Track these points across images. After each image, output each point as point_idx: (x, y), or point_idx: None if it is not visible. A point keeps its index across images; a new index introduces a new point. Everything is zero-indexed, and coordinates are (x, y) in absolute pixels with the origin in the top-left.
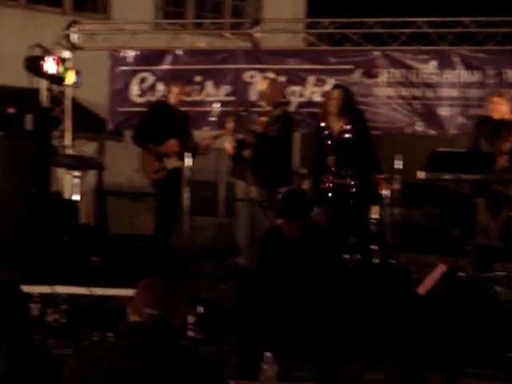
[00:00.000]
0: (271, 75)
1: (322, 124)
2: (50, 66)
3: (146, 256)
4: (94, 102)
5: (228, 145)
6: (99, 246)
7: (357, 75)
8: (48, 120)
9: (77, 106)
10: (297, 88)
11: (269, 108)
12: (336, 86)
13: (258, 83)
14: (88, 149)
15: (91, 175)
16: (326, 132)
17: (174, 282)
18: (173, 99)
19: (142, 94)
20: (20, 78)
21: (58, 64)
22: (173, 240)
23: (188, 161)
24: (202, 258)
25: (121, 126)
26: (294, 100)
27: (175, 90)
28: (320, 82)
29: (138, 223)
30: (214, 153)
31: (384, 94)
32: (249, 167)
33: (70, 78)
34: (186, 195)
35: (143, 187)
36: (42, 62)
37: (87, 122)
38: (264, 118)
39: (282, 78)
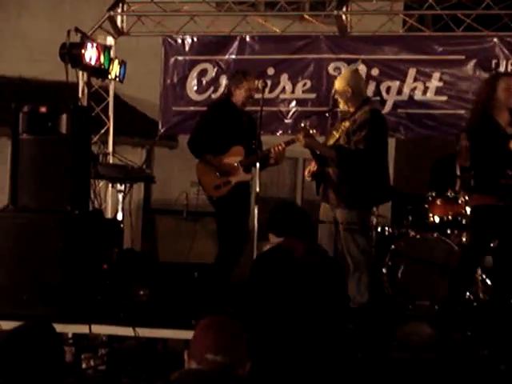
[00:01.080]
0: (361, 67)
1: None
2: (90, 54)
3: (204, 290)
4: (141, 100)
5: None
6: (147, 276)
7: (470, 67)
8: (88, 121)
9: (121, 104)
10: (393, 83)
11: (351, 109)
12: None
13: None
14: (134, 157)
15: (137, 190)
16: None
17: (239, 323)
18: (239, 97)
19: (202, 89)
20: (54, 70)
21: (99, 53)
22: (238, 271)
23: (257, 173)
24: None
25: (175, 129)
26: (390, 98)
27: (243, 85)
28: (423, 76)
29: (195, 249)
30: (288, 162)
31: None
32: (333, 186)
33: (115, 70)
34: (255, 216)
35: (201, 205)
36: (81, 51)
37: (133, 124)
38: (346, 124)
39: (376, 71)
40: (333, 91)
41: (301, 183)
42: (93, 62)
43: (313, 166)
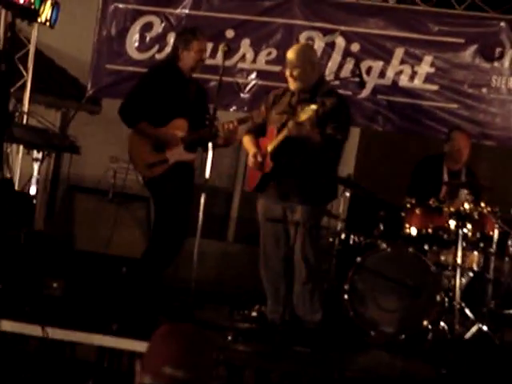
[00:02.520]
0: (340, 40)
1: None
2: None
3: (130, 289)
4: (61, 52)
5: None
6: (61, 266)
7: (468, 54)
8: (8, 71)
9: (36, 54)
10: (376, 63)
11: (304, 88)
12: None
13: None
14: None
15: (47, 160)
16: None
17: (207, 334)
18: (187, 60)
19: (145, 47)
20: None
21: None
22: (172, 272)
23: (209, 153)
24: (211, 300)
25: (106, 91)
26: (370, 81)
27: (193, 45)
28: (412, 59)
29: (120, 238)
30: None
31: (509, 85)
32: (295, 180)
33: (46, 12)
34: (202, 205)
35: (129, 186)
36: None
37: (49, 79)
38: (313, 107)
39: (356, 47)
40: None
41: (242, 173)
42: (21, 1)
43: (258, 157)
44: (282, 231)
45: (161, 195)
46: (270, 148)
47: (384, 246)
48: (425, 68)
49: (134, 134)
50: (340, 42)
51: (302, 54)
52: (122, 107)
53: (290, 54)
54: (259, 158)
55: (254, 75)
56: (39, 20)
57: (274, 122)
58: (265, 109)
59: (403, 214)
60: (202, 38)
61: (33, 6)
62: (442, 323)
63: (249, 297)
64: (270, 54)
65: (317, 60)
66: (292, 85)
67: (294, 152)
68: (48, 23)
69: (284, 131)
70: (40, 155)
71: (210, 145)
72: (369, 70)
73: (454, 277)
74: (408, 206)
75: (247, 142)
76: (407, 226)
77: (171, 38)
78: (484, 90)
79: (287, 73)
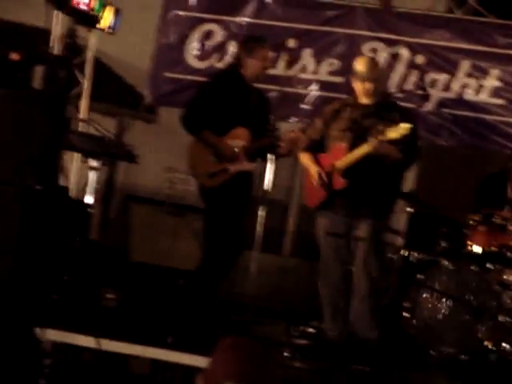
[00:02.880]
0: (404, 52)
1: None
2: None
3: (185, 301)
4: (118, 60)
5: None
6: (116, 277)
7: None
8: (68, 78)
9: (96, 61)
10: (440, 76)
11: (369, 102)
12: None
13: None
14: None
15: (104, 169)
16: None
17: (265, 347)
18: (251, 68)
19: (205, 55)
20: (37, 15)
21: None
22: (228, 286)
23: (270, 164)
24: (269, 315)
25: (165, 99)
26: (434, 94)
27: (257, 53)
28: (478, 72)
29: (177, 250)
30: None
31: None
32: (363, 194)
33: (107, 18)
34: (261, 218)
35: (186, 197)
36: None
37: (106, 87)
38: (373, 121)
39: (421, 59)
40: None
41: (299, 186)
42: (82, 6)
43: (323, 176)
44: (344, 246)
45: (217, 205)
46: (340, 165)
47: (446, 263)
48: (491, 82)
49: (196, 142)
50: (404, 53)
51: (375, 68)
52: (185, 115)
53: (363, 67)
54: (325, 179)
55: (315, 86)
56: (99, 26)
57: (337, 139)
58: (322, 124)
59: (466, 231)
60: (266, 46)
61: (93, 12)
62: (504, 344)
63: (306, 312)
64: (332, 64)
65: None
66: (363, 98)
67: (370, 169)
68: (109, 30)
69: (363, 148)
70: (96, 163)
71: (269, 156)
72: (433, 83)
73: None
74: (471, 223)
75: (306, 159)
76: (470, 243)
77: (231, 47)
78: None
79: (359, 85)
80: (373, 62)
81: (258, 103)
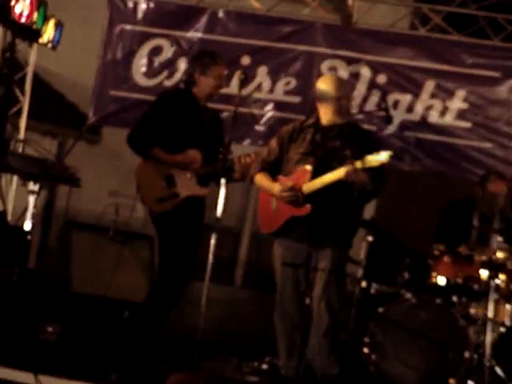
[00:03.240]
0: (365, 71)
1: None
2: (22, 8)
3: (130, 335)
4: (58, 76)
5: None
6: (57, 309)
7: (505, 89)
8: (6, 96)
9: (35, 78)
10: (403, 97)
11: (337, 123)
12: None
13: (319, 82)
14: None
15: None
16: None
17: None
18: (204, 86)
19: (153, 73)
20: None
21: (33, 8)
22: (176, 316)
23: (222, 189)
24: (219, 350)
25: (110, 119)
26: (397, 116)
27: (212, 70)
28: (443, 93)
29: (122, 280)
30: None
31: None
32: (326, 222)
33: (48, 32)
34: (212, 247)
35: (133, 223)
36: (10, 1)
37: (45, 105)
38: (336, 144)
39: (382, 78)
40: (319, 95)
41: (252, 212)
42: (23, 19)
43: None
44: (303, 277)
45: (168, 232)
46: (307, 188)
47: (409, 295)
48: (457, 103)
49: (144, 165)
50: (365, 72)
51: (342, 86)
52: (132, 134)
53: (327, 85)
54: (298, 193)
55: (270, 106)
56: (40, 41)
57: (298, 162)
58: (278, 146)
59: (430, 262)
60: (221, 63)
61: (34, 26)
62: (470, 382)
63: (259, 347)
64: (288, 83)
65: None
66: (328, 119)
67: (336, 196)
68: (50, 44)
69: (336, 173)
70: (36, 187)
71: (223, 180)
72: (396, 104)
73: (485, 332)
74: (436, 252)
75: (263, 179)
76: (434, 274)
77: (182, 64)
78: None
79: (327, 107)
80: (341, 80)
81: (212, 124)
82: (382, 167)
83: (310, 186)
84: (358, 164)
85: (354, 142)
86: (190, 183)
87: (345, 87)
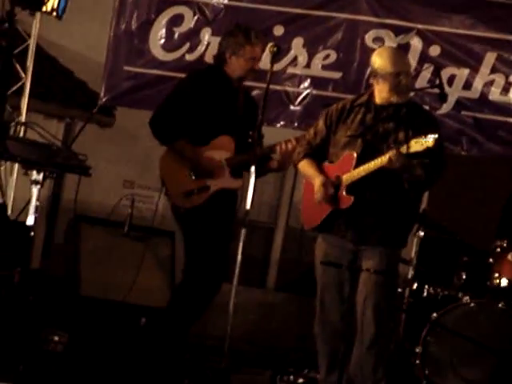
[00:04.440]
0: (416, 41)
1: None
2: None
3: (150, 346)
4: (70, 51)
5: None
6: (64, 316)
7: None
8: (4, 71)
9: (39, 52)
10: (460, 71)
11: (393, 102)
12: None
13: (375, 55)
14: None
15: (49, 183)
16: None
17: None
18: (236, 67)
19: (173, 45)
20: None
21: None
22: (202, 324)
23: (251, 180)
24: (250, 362)
25: (125, 98)
26: (452, 93)
27: (246, 52)
28: (506, 66)
29: (138, 282)
30: (272, 174)
31: None
32: (372, 217)
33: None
34: (241, 244)
35: (151, 217)
36: None
37: (51, 83)
38: (389, 126)
39: (436, 50)
40: (376, 70)
41: (287, 205)
42: None
43: (329, 187)
44: (349, 280)
45: (197, 229)
46: (348, 178)
47: (467, 299)
48: None
49: (169, 153)
50: (416, 43)
51: (401, 61)
52: (155, 118)
53: (384, 59)
54: (331, 190)
55: (307, 83)
56: (44, 9)
57: (345, 146)
58: (325, 126)
59: (492, 261)
60: (258, 43)
61: None
62: None
63: (295, 359)
64: (327, 57)
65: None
66: (383, 98)
67: (383, 187)
68: (55, 13)
69: (378, 161)
70: (40, 177)
71: (252, 168)
72: (451, 80)
73: None
74: (498, 250)
75: (308, 167)
76: (496, 275)
77: (206, 35)
78: None
79: (379, 82)
80: (400, 53)
81: (246, 107)
82: (439, 152)
83: (352, 175)
84: (403, 149)
85: (411, 124)
86: (223, 174)
87: (404, 62)
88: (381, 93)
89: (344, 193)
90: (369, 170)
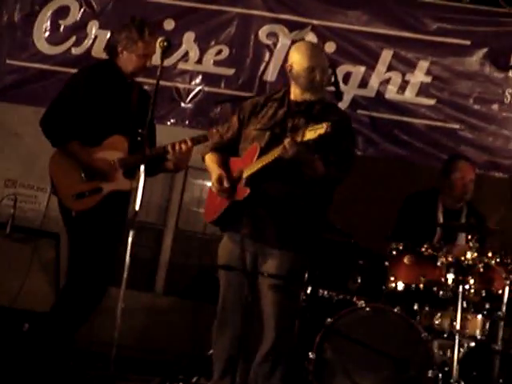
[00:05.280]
0: (311, 38)
1: None
2: None
3: (33, 352)
4: None
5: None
6: None
7: (476, 60)
8: None
9: None
10: (356, 69)
11: (306, 98)
12: None
13: (292, 50)
14: None
15: None
16: None
17: None
18: (127, 63)
19: (58, 38)
20: None
21: None
22: (88, 329)
23: (140, 180)
24: (138, 369)
25: (7, 93)
26: (348, 91)
27: (139, 48)
28: (402, 64)
29: (23, 286)
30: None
31: None
32: (275, 217)
33: None
34: (129, 246)
35: (36, 218)
36: None
37: None
38: (300, 121)
39: (332, 47)
40: (291, 65)
41: (177, 206)
42: None
43: (225, 181)
44: (248, 283)
45: (86, 232)
46: (247, 171)
47: (362, 303)
48: (419, 76)
49: (60, 153)
50: (311, 39)
51: (319, 55)
52: (47, 118)
53: (300, 54)
54: (226, 184)
55: (198, 79)
56: None
57: (252, 140)
58: (238, 121)
59: (387, 264)
60: (150, 39)
61: None
62: None
63: (185, 365)
64: (220, 52)
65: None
66: (297, 94)
67: (281, 179)
68: None
69: (275, 151)
70: None
71: (142, 167)
72: (347, 77)
73: (452, 346)
74: (394, 253)
75: (211, 161)
76: (392, 278)
77: (93, 28)
78: (495, 107)
79: (294, 76)
80: (316, 48)
81: (140, 103)
82: (345, 150)
83: (252, 166)
84: (298, 137)
85: (322, 121)
86: (115, 175)
87: (321, 57)
88: (295, 88)
89: (242, 185)
90: (266, 160)
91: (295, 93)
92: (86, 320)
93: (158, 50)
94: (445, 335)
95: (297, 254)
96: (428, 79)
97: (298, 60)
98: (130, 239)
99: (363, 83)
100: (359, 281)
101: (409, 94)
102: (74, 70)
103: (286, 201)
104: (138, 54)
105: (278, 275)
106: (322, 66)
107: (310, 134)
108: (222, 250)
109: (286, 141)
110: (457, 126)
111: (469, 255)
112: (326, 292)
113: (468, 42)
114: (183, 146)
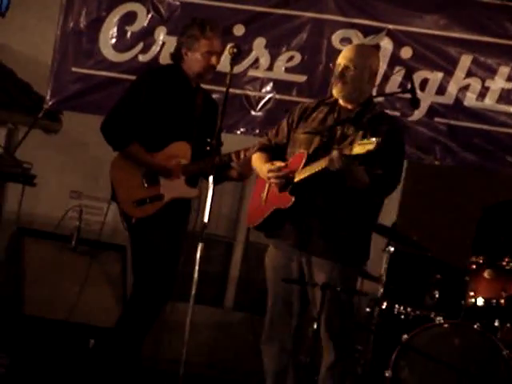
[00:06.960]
0: (386, 43)
1: None
2: None
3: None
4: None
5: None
6: (7, 336)
7: None
8: None
9: None
10: (433, 75)
11: (349, 107)
12: None
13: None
14: None
15: None
16: None
17: None
18: (193, 63)
19: (125, 45)
20: None
21: None
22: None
23: (209, 190)
24: None
25: (71, 103)
26: (425, 98)
27: (201, 45)
28: (482, 70)
29: (86, 301)
30: (231, 183)
31: None
32: (324, 227)
33: None
34: (197, 261)
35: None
36: None
37: None
38: (349, 130)
39: (408, 52)
40: (338, 68)
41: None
42: None
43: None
44: (298, 293)
45: (146, 242)
46: (297, 178)
47: (440, 320)
48: (499, 83)
49: (121, 158)
50: (386, 44)
51: (365, 54)
52: (108, 123)
53: (348, 51)
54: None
55: (269, 87)
56: None
57: (300, 144)
58: (287, 124)
59: (467, 279)
60: (213, 35)
61: None
62: None
63: (254, 382)
64: (291, 59)
65: (377, 71)
66: (338, 90)
67: (324, 188)
68: None
69: (322, 162)
70: None
71: (210, 178)
72: (424, 84)
73: None
74: (473, 267)
75: (258, 161)
76: (472, 293)
77: (160, 35)
78: None
79: (336, 72)
80: (365, 48)
81: (205, 109)
82: (393, 162)
83: (301, 173)
84: (346, 150)
85: (372, 131)
86: (178, 182)
87: (355, 54)
88: (336, 84)
89: (287, 193)
90: (312, 170)
91: (344, 90)
92: (147, 333)
93: (228, 57)
94: None
95: (345, 265)
96: (509, 86)
97: (345, 56)
98: (198, 253)
99: (441, 90)
100: (437, 296)
101: (489, 101)
102: None
103: (331, 211)
104: (201, 52)
105: (327, 286)
106: (356, 63)
107: (359, 149)
108: (269, 259)
109: (334, 153)
110: None
111: None
112: (402, 308)
113: None
114: (248, 154)
